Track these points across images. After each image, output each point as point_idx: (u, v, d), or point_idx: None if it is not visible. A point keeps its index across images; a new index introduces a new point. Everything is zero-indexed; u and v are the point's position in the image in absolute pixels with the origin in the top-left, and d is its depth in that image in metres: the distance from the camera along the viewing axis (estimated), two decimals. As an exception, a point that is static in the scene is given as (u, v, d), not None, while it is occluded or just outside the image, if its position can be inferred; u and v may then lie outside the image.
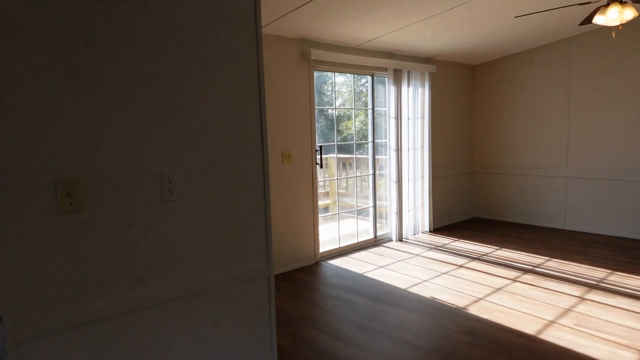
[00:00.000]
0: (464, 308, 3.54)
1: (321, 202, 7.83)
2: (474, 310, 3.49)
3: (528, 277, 4.18)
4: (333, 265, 4.79)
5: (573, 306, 3.51)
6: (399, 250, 5.27)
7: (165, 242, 1.77)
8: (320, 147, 4.84)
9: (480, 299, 3.72)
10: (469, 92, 6.76)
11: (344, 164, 7.91)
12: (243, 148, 2.04)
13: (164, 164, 1.76)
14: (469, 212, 6.95)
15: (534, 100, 6.18)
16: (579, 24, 4.00)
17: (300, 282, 4.29)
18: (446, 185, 6.50)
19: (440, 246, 5.36)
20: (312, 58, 4.54)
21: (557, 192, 6.07)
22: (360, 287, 4.09)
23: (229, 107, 1.98)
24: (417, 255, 5.04)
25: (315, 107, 4.81)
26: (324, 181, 6.90)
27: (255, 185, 2.09)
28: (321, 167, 4.85)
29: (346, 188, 7.81)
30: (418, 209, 5.98)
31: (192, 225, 1.85)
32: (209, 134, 1.92)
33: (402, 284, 4.11)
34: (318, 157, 4.84)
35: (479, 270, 4.41)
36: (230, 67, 1.99)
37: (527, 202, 6.39)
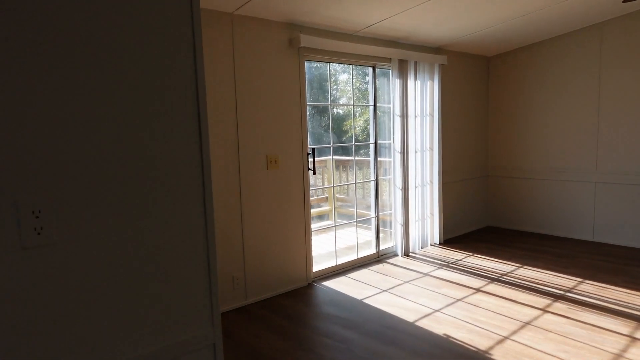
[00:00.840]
0: (486, 352, 2.85)
1: (319, 209, 7.16)
2: (498, 356, 2.79)
3: (560, 306, 3.47)
4: (328, 288, 4.11)
5: (624, 350, 2.81)
6: (406, 268, 4.58)
7: (31, 318, 1.10)
8: (313, 149, 4.16)
9: (506, 337, 3.02)
10: (484, 87, 6.04)
11: (344, 166, 7.25)
12: (168, 160, 1.33)
13: (23, 188, 1.08)
14: (483, 220, 6.24)
15: (558, 96, 5.47)
16: (624, 1, 3.29)
17: (287, 311, 3.61)
18: (458, 191, 5.79)
19: (452, 263, 4.67)
20: (302, 45, 3.86)
21: (584, 199, 5.35)
22: (358, 319, 3.41)
23: (137, 103, 1.26)
24: (426, 274, 4.34)
25: (307, 103, 4.13)
26: (318, 189, 6.24)
27: (189, 217, 1.38)
28: (314, 172, 4.17)
29: (346, 193, 7.15)
30: (427, 219, 5.29)
31: (81, 283, 1.18)
32: (105, 143, 1.22)
33: (409, 315, 3.42)
34: (310, 160, 4.16)
35: (500, 296, 3.71)
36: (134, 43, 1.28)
37: (550, 210, 5.67)
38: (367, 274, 4.44)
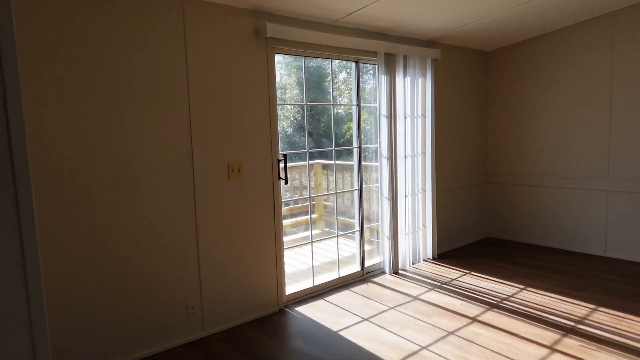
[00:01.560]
0: (481, 409, 2.30)
1: (300, 218, 6.62)
2: (497, 415, 2.25)
3: (571, 343, 2.93)
4: (302, 315, 3.56)
5: (653, 408, 2.26)
6: (393, 289, 4.03)
7: None
8: (285, 156, 3.62)
9: (506, 387, 2.47)
10: (482, 85, 5.50)
11: (330, 171, 6.75)
12: None
13: None
14: (481, 231, 5.69)
15: (566, 94, 4.92)
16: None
17: (249, 346, 3.07)
18: (454, 199, 5.25)
19: (446, 283, 4.12)
20: (270, 36, 3.32)
21: (595, 208, 4.80)
22: (330, 358, 2.87)
23: None
24: (415, 298, 3.80)
25: (278, 103, 3.59)
26: (291, 200, 5.75)
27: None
28: (285, 182, 3.63)
29: (327, 199, 6.64)
30: (418, 231, 4.74)
31: None
32: None
33: (390, 354, 2.87)
34: (282, 167, 3.63)
35: (500, 329, 3.16)
36: None
37: (556, 221, 5.12)
38: (349, 297, 3.90)
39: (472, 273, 4.37)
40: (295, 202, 6.35)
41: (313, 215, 6.82)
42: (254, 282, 3.51)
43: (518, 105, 5.32)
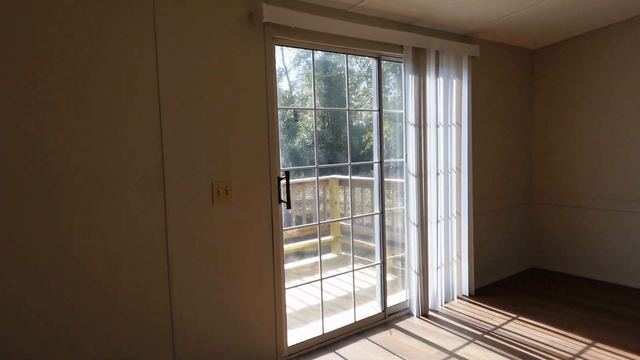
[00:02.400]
0: None
1: (316, 241, 5.89)
2: None
3: None
4: (306, 376, 2.80)
5: None
6: (422, 339, 3.23)
7: None
8: (287, 173, 2.88)
9: None
10: (526, 89, 4.69)
11: (342, 185, 6.07)
12: None
13: None
14: (526, 261, 4.83)
15: (627, 101, 4.07)
16: None
17: None
18: (493, 223, 4.42)
19: (489, 332, 3.30)
20: (266, 21, 2.61)
21: (671, 238, 3.91)
22: None
23: None
24: (451, 354, 2.99)
25: (279, 107, 2.87)
26: (296, 228, 5.05)
27: None
28: (288, 206, 2.89)
29: (350, 212, 5.88)
30: (452, 264, 3.93)
31: None
32: None
33: None
34: (284, 186, 2.89)
35: (571, 410, 2.34)
36: None
37: (618, 251, 4.24)
38: (367, 349, 3.12)
39: (520, 318, 3.53)
40: (309, 220, 5.61)
41: (328, 237, 6.07)
42: (247, 334, 2.76)
43: (569, 113, 4.48)
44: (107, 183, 2.21)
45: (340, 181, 5.93)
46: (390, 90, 4.28)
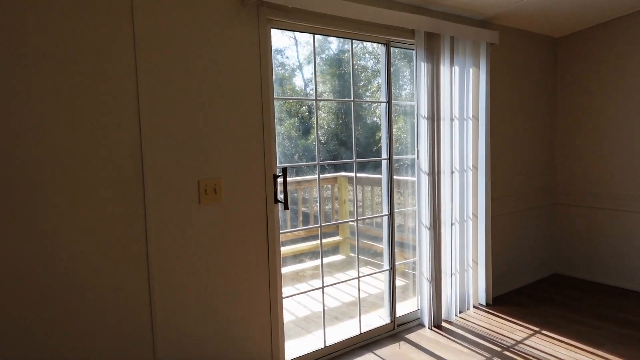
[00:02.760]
0: None
1: (329, 240, 5.63)
2: None
3: None
4: (303, 396, 2.52)
5: None
6: (434, 355, 2.92)
7: None
8: (284, 170, 2.60)
9: None
10: (550, 80, 4.33)
11: (361, 184, 5.81)
12: None
13: None
14: (548, 266, 4.48)
15: (667, 89, 3.70)
16: None
17: None
18: (513, 226, 4.08)
19: (509, 348, 2.98)
20: (260, -1, 2.33)
21: None
22: None
23: None
24: (467, 373, 2.68)
25: (275, 97, 2.59)
26: (294, 231, 4.80)
27: None
28: (285, 207, 2.60)
29: (361, 206, 5.64)
30: (468, 270, 3.61)
31: None
32: None
33: None
34: (281, 186, 2.61)
35: None
36: None
37: (652, 257, 3.87)
38: (373, 365, 2.83)
39: (544, 332, 3.20)
40: (315, 220, 5.32)
41: (336, 238, 5.78)
42: (239, 349, 2.48)
43: (596, 106, 4.11)
44: (76, 181, 1.95)
45: (350, 179, 5.64)
46: (405, 86, 3.98)
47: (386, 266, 3.30)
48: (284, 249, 5.11)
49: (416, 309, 3.45)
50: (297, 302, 3.97)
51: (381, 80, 3.21)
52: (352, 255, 5.52)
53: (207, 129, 2.30)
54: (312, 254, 5.28)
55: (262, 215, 2.53)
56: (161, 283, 2.20)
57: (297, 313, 3.78)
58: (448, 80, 3.29)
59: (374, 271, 3.41)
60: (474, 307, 3.69)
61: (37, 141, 1.86)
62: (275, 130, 2.57)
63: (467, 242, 3.59)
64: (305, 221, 5.34)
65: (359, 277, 3.16)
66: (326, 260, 5.30)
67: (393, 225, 3.26)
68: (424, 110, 3.18)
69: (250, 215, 2.48)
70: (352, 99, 3.05)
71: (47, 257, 1.90)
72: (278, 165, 2.63)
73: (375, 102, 3.29)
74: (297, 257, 5.26)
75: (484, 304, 3.73)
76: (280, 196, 2.62)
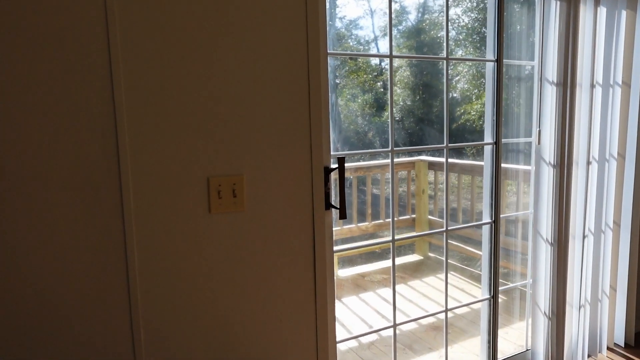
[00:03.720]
0: None
1: (402, 237, 4.79)
2: None
3: None
4: None
5: None
6: None
7: None
8: (340, 161, 1.74)
9: None
10: None
11: (433, 169, 4.92)
12: None
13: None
14: None
15: None
16: None
17: None
18: (666, 236, 2.93)
19: None
20: None
21: None
22: None
23: None
24: None
25: (330, 52, 1.73)
26: (351, 250, 3.96)
27: None
28: (342, 216, 1.76)
29: (433, 209, 4.79)
30: (603, 299, 2.58)
31: None
32: None
33: None
34: (334, 184, 1.77)
35: None
36: None
37: None
38: None
39: None
40: (374, 214, 4.45)
41: (412, 234, 4.86)
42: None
43: None
44: (21, 178, 1.24)
45: (430, 164, 4.67)
46: (516, 41, 2.93)
47: (485, 293, 2.37)
48: (341, 247, 4.30)
49: (525, 348, 2.51)
50: (359, 319, 3.19)
51: (488, 28, 2.21)
52: (432, 255, 4.60)
53: (221, 99, 1.49)
54: (382, 252, 4.43)
55: (307, 228, 1.71)
56: (149, 334, 1.47)
57: (356, 328, 3.00)
58: (590, 27, 2.23)
59: (474, 301, 2.49)
60: (608, 349, 2.66)
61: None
62: (328, 103, 1.72)
63: (604, 261, 2.55)
64: (376, 213, 4.49)
65: (446, 310, 2.26)
66: (397, 261, 4.43)
67: (497, 238, 2.30)
68: (551, 72, 2.16)
69: (288, 230, 1.66)
70: (445, 56, 2.10)
71: (23, 263, 1.23)
72: (333, 153, 1.79)
73: (479, 60, 2.32)
74: (363, 255, 4.43)
75: (623, 345, 2.69)
76: (335, 199, 1.79)
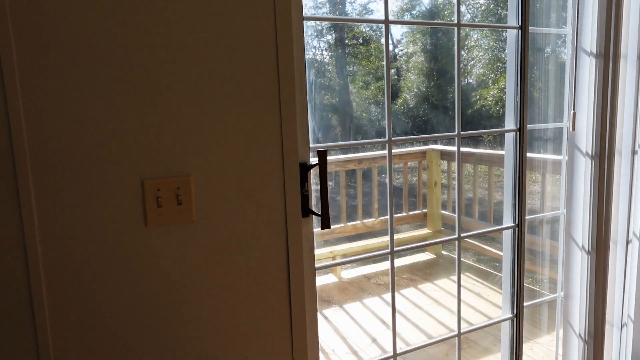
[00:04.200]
0: None
1: (412, 234, 4.50)
2: None
3: None
4: None
5: None
6: None
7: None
8: (321, 154, 1.37)
9: None
10: None
11: (446, 159, 4.54)
12: None
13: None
14: None
15: None
16: None
17: None
18: None
19: None
20: None
21: None
22: None
23: None
24: None
25: (307, 16, 1.35)
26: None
27: None
28: (325, 225, 1.39)
29: (445, 191, 4.42)
30: (647, 315, 2.17)
31: None
32: None
33: None
34: (316, 185, 1.40)
35: None
36: None
37: None
38: None
39: None
40: (380, 209, 4.07)
41: (422, 232, 4.47)
42: None
43: None
44: None
45: (443, 153, 4.27)
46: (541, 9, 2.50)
47: (508, 312, 1.97)
48: (346, 247, 3.94)
49: (554, 373, 2.12)
50: (361, 329, 2.83)
51: (509, -9, 1.79)
52: (445, 254, 4.21)
53: (157, 70, 1.12)
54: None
55: (279, 242, 1.33)
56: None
57: (357, 342, 2.64)
58: (639, -15, 1.80)
59: (493, 321, 2.10)
60: (653, 373, 2.26)
61: None
62: (306, 82, 1.34)
63: (650, 270, 2.13)
64: (382, 208, 4.12)
65: (459, 334, 1.88)
66: (406, 261, 4.06)
67: (522, 245, 1.90)
68: (590, 40, 1.74)
69: (254, 246, 1.30)
70: (456, 22, 1.69)
71: None
72: (313, 145, 1.41)
73: (497, 26, 1.92)
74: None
75: (671, 368, 2.28)
76: (315, 204, 1.41)
